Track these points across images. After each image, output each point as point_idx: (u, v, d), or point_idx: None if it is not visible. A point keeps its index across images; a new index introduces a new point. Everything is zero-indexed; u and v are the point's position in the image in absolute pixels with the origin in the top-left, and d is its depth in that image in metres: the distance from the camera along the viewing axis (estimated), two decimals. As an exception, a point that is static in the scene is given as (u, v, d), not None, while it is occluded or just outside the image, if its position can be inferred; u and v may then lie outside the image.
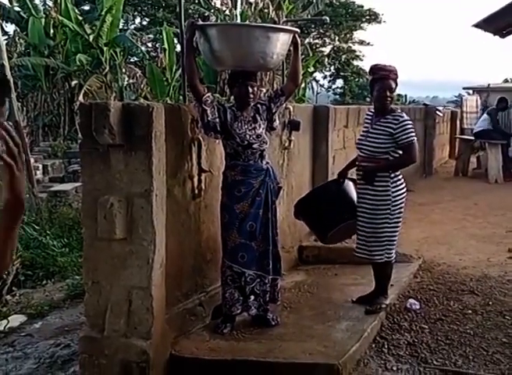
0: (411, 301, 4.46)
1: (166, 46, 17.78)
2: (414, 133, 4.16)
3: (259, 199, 3.80)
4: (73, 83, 17.33)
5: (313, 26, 29.55)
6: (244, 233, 3.78)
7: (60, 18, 17.18)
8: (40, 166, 11.79)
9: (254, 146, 3.78)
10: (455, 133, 14.85)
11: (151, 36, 26.23)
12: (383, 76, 4.18)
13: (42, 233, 6.69)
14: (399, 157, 4.18)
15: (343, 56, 33.78)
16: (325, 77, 36.01)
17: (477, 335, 3.96)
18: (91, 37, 17.06)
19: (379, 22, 32.90)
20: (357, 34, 33.38)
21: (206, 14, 20.13)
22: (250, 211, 3.78)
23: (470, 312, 4.34)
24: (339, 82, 36.11)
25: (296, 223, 5.10)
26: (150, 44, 26.93)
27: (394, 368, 3.56)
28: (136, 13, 29.12)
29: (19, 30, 19.15)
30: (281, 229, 4.35)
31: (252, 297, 3.87)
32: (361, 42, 33.63)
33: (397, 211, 4.17)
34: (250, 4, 19.02)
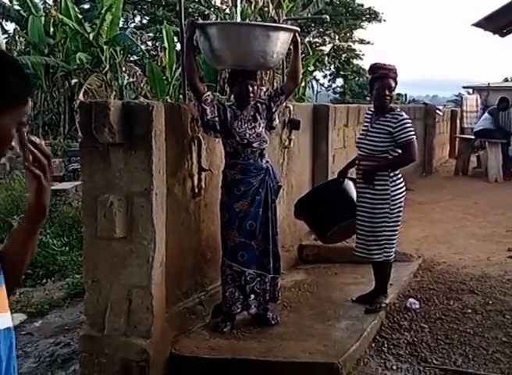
0: (411, 300, 4.46)
1: (166, 45, 17.78)
2: (413, 132, 4.16)
3: (259, 198, 3.80)
4: (73, 81, 17.34)
5: (313, 24, 29.55)
6: (244, 232, 3.77)
7: (60, 16, 17.20)
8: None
9: (254, 145, 3.78)
10: (455, 132, 14.85)
11: (151, 34, 26.25)
12: (382, 74, 4.18)
13: (42, 232, 6.68)
14: (398, 156, 4.18)
15: (343, 55, 33.78)
16: (325, 76, 36.05)
17: (477, 334, 3.96)
18: (91, 36, 17.06)
19: (379, 21, 32.91)
20: (357, 33, 33.42)
21: (206, 13, 20.14)
22: (250, 210, 3.78)
23: (470, 311, 4.34)
24: (339, 81, 36.17)
25: (296, 222, 5.10)
26: (150, 43, 26.95)
27: (394, 367, 3.56)
28: (136, 12, 29.13)
29: (19, 28, 19.16)
30: (281, 228, 4.34)
31: (252, 296, 3.87)
32: (361, 41, 33.62)
33: (396, 210, 4.17)
34: (250, 2, 19.00)
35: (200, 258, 4.02)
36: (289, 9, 18.74)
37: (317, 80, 33.80)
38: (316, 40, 31.72)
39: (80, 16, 17.81)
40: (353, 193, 4.37)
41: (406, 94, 33.69)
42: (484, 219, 7.56)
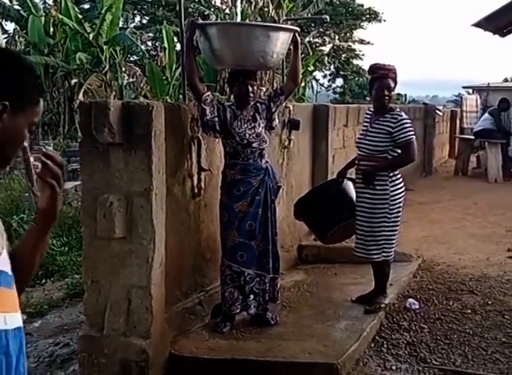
0: (411, 300, 4.46)
1: (166, 45, 17.77)
2: (412, 132, 4.16)
3: (258, 198, 3.80)
4: (73, 81, 17.34)
5: (313, 25, 29.53)
6: (243, 233, 3.77)
7: (60, 16, 17.19)
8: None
9: (254, 145, 3.78)
10: (455, 132, 14.86)
11: (151, 34, 26.22)
12: (382, 75, 4.18)
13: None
14: (397, 156, 4.18)
15: (343, 55, 33.77)
16: (324, 76, 36.03)
17: (476, 335, 3.96)
18: (91, 36, 17.05)
19: (379, 21, 32.89)
20: (357, 33, 33.40)
21: (206, 13, 20.14)
22: (250, 210, 3.78)
23: (469, 311, 4.34)
24: (339, 81, 36.16)
25: (295, 222, 5.10)
26: (150, 43, 26.93)
27: (393, 367, 3.56)
28: (136, 12, 29.12)
29: (18, 28, 19.16)
30: (280, 228, 4.34)
31: (251, 296, 3.87)
32: (361, 41, 33.61)
33: (396, 210, 4.17)
34: (250, 2, 18.99)
35: (200, 258, 4.02)
36: (289, 9, 18.72)
37: (317, 80, 33.79)
38: (316, 40, 31.70)
39: (80, 16, 17.80)
40: (353, 193, 4.37)
41: (406, 95, 33.71)
42: (483, 220, 7.56)
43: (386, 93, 4.15)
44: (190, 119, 3.80)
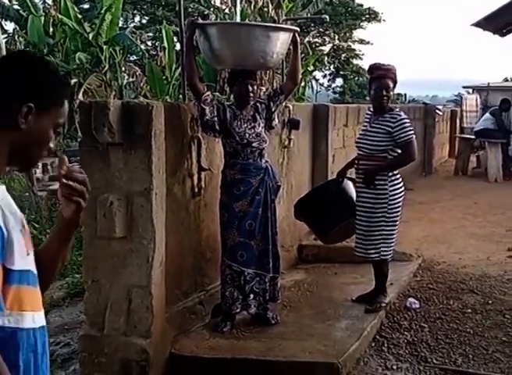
0: (411, 300, 4.46)
1: (166, 45, 17.75)
2: (412, 132, 4.16)
3: (258, 198, 3.80)
4: (73, 81, 17.30)
5: (313, 24, 29.52)
6: (243, 232, 3.77)
7: (59, 16, 17.17)
8: (40, 165, 11.76)
9: (254, 145, 3.78)
10: (455, 132, 14.86)
11: (151, 34, 26.22)
12: (380, 75, 4.18)
13: (42, 232, 6.68)
14: (398, 156, 4.18)
15: (343, 55, 33.76)
16: (324, 76, 36.01)
17: (476, 334, 3.96)
18: (91, 36, 17.03)
19: (379, 21, 32.86)
20: (357, 33, 33.37)
21: (206, 13, 20.10)
22: (250, 210, 3.78)
23: (469, 311, 4.35)
24: (339, 81, 36.12)
25: (295, 221, 5.10)
26: (149, 43, 26.90)
27: (394, 367, 3.56)
28: (135, 12, 29.09)
29: (18, 28, 19.13)
30: (280, 228, 4.34)
31: (251, 295, 3.87)
32: (361, 41, 33.59)
33: (395, 210, 4.17)
34: (250, 2, 18.97)
35: (200, 257, 4.02)
36: (289, 9, 18.70)
37: (316, 80, 33.77)
38: (316, 40, 31.69)
39: (80, 16, 17.78)
40: (353, 193, 4.37)
41: (405, 94, 33.67)
42: (484, 219, 7.57)
43: (384, 93, 4.15)
44: (189, 119, 3.80)
